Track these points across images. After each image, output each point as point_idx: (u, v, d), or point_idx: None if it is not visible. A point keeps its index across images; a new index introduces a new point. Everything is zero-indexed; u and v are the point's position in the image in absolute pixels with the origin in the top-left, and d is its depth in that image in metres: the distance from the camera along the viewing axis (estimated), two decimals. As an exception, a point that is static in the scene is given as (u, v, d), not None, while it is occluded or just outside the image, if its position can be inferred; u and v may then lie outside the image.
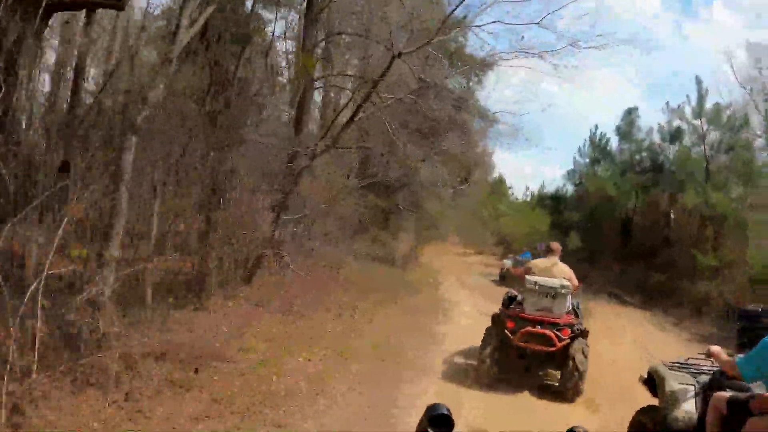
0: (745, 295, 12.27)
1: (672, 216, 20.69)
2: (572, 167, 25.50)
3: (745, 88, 16.73)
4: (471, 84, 18.06)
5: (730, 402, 2.93)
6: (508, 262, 19.56)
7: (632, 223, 21.03)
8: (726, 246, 14.93)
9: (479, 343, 6.55)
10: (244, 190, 8.87)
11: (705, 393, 3.38)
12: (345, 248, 13.53)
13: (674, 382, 3.58)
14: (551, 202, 27.26)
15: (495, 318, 6.70)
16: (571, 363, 5.99)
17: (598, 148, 24.03)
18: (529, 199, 43.73)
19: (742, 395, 2.92)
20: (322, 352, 6.94)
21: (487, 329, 6.67)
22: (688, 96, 18.89)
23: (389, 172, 14.07)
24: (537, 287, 6.33)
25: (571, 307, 6.57)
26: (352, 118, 9.35)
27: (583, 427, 1.56)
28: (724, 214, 16.09)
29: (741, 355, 3.01)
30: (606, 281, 18.59)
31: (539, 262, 6.77)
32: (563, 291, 6.32)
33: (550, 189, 29.13)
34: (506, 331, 6.26)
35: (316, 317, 8.41)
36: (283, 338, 7.13)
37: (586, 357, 6.07)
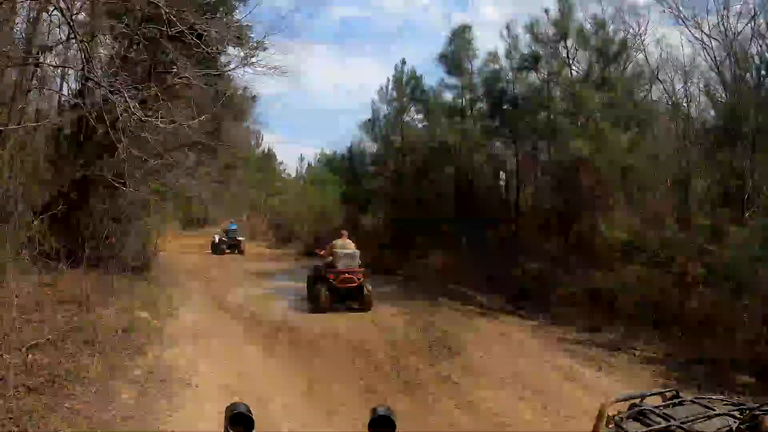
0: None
1: (502, 178, 16.63)
2: (370, 117, 18.53)
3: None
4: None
5: None
6: (216, 235, 22.39)
7: (473, 191, 15.05)
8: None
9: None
10: None
11: None
12: None
13: None
14: (347, 165, 20.25)
15: (315, 275, 11.24)
16: (365, 291, 10.73)
17: (408, 86, 17.52)
18: (305, 172, 36.92)
19: None
20: None
21: (308, 282, 11.49)
22: (546, 10, 13.05)
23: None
24: (343, 254, 10.79)
25: (360, 263, 10.88)
26: None
27: (385, 405, 1.52)
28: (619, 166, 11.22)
29: None
30: (439, 276, 13.74)
31: (337, 242, 11.06)
32: (356, 254, 10.90)
33: (340, 150, 21.78)
34: (329, 279, 10.59)
35: None
36: None
37: (370, 290, 10.84)
